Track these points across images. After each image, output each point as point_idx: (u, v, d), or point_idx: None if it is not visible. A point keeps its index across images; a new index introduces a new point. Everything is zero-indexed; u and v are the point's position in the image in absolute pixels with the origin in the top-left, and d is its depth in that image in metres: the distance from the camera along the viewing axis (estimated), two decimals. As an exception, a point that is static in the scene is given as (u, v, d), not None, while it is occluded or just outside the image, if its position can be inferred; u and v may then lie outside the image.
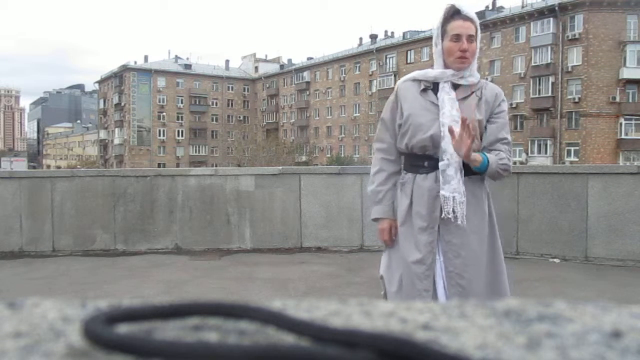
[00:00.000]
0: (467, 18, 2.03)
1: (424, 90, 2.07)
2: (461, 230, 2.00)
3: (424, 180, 2.03)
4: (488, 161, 1.96)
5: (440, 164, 1.99)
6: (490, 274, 2.06)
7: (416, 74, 2.14)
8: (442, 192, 1.98)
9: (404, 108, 2.08)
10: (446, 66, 2.06)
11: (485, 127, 2.06)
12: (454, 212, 1.97)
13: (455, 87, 2.06)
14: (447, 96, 2.02)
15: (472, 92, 2.06)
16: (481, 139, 2.06)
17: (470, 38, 2.02)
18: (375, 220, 2.18)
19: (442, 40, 2.06)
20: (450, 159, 1.98)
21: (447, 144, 1.97)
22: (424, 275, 2.02)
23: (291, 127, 62.29)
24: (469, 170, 2.00)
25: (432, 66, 2.13)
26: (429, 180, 2.02)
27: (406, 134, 2.06)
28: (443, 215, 1.99)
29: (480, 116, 2.03)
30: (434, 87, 2.07)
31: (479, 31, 2.05)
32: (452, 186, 1.97)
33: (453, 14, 2.04)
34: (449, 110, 1.99)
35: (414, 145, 2.03)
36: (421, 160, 2.05)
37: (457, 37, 2.02)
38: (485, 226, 2.06)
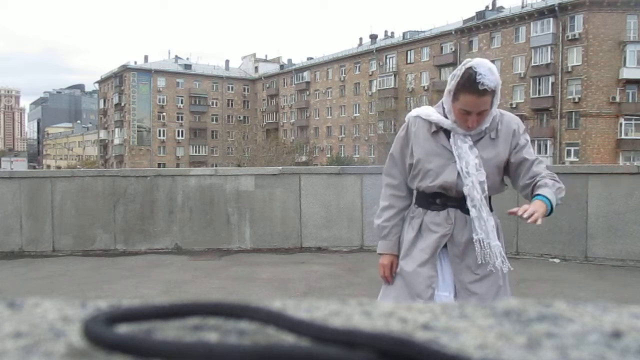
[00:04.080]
0: (483, 94, 1.81)
1: (435, 132, 1.97)
2: (473, 270, 1.96)
3: (435, 217, 1.98)
4: (550, 202, 1.84)
5: (472, 212, 1.91)
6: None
7: (426, 114, 2.01)
8: (481, 237, 1.93)
9: (415, 150, 2.01)
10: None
11: (510, 162, 1.98)
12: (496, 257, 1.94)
13: None
14: (464, 144, 1.92)
15: (486, 134, 1.95)
16: (505, 174, 2.01)
17: (483, 112, 1.86)
18: (380, 254, 2.14)
19: (453, 100, 1.89)
20: (479, 204, 1.91)
21: (470, 190, 1.90)
22: None
23: (291, 127, 62.28)
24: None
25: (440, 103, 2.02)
26: (440, 217, 1.97)
27: (416, 178, 2.01)
28: (493, 265, 1.93)
29: (496, 157, 1.95)
30: (445, 129, 1.97)
31: (497, 95, 1.86)
32: (489, 231, 1.93)
33: (471, 83, 1.81)
34: (472, 159, 1.91)
35: (424, 189, 1.99)
36: (433, 197, 1.99)
37: (465, 111, 1.86)
38: (499, 265, 1.99)
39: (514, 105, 39.64)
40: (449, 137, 1.95)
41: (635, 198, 5.19)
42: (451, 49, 45.58)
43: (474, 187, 1.90)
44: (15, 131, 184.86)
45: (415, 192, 2.08)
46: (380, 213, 2.12)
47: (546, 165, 2.03)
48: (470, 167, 1.90)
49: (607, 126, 38.32)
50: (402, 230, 2.08)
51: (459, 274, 1.97)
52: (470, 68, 1.82)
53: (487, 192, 1.92)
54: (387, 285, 2.12)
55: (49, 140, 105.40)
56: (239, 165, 38.46)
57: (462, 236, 1.95)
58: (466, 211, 1.95)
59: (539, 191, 1.86)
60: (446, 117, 1.96)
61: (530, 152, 1.99)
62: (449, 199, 1.96)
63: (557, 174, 2.04)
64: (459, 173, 1.92)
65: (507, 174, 2.03)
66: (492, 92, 1.84)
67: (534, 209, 1.76)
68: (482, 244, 1.93)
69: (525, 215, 1.74)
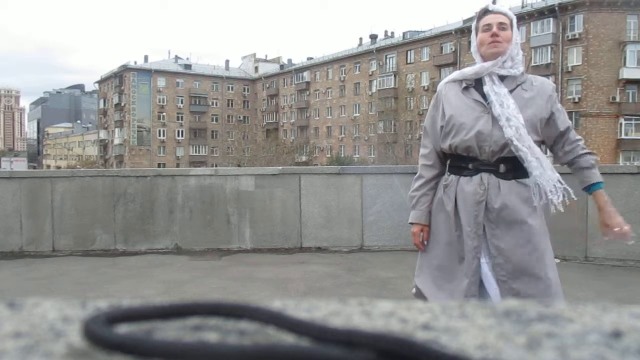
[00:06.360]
0: (497, 12, 2.05)
1: (466, 88, 2.03)
2: (509, 235, 1.95)
3: (468, 184, 1.97)
4: (600, 181, 2.06)
5: (522, 152, 1.91)
6: (541, 279, 2.00)
7: (455, 74, 2.11)
8: (540, 172, 1.94)
9: (446, 109, 2.04)
10: (484, 60, 2.02)
11: (549, 125, 2.02)
12: (563, 196, 1.96)
13: (501, 79, 2.00)
14: (501, 89, 1.96)
15: (518, 85, 2.00)
16: (540, 133, 2.02)
17: (501, 25, 2.01)
18: (411, 224, 2.17)
19: (477, 34, 2.07)
20: (527, 143, 1.91)
21: (515, 132, 1.90)
22: (470, 281, 1.99)
23: (291, 127, 62.28)
24: (518, 173, 1.96)
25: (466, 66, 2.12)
26: (473, 183, 1.96)
27: (449, 135, 2.01)
28: (559, 201, 1.96)
29: (531, 106, 1.97)
30: (477, 84, 2.02)
31: (514, 23, 2.05)
32: (545, 166, 1.94)
33: (485, 12, 2.07)
34: (512, 102, 1.93)
35: (458, 145, 1.98)
36: (465, 161, 1.99)
37: (487, 27, 2.02)
38: (535, 230, 1.98)
39: (514, 105, 39.66)
40: (480, 93, 2.00)
41: (635, 198, 5.19)
42: (451, 49, 45.58)
43: (518, 129, 1.91)
44: (15, 131, 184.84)
45: (449, 159, 2.09)
46: (412, 183, 2.18)
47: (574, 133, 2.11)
48: (511, 109, 1.92)
49: (607, 126, 38.33)
50: (441, 201, 2.07)
51: (493, 239, 1.96)
52: (483, 6, 2.11)
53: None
54: (422, 255, 2.16)
55: (49, 140, 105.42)
56: (239, 165, 38.47)
57: (495, 202, 1.94)
58: (500, 175, 1.96)
59: (594, 178, 2.04)
60: None
61: (567, 119, 2.07)
62: (482, 163, 1.96)
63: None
64: (493, 124, 1.94)
65: (544, 140, 2.06)
66: (507, 16, 2.05)
67: (619, 221, 2.10)
68: (545, 180, 1.93)
69: (629, 242, 2.04)
